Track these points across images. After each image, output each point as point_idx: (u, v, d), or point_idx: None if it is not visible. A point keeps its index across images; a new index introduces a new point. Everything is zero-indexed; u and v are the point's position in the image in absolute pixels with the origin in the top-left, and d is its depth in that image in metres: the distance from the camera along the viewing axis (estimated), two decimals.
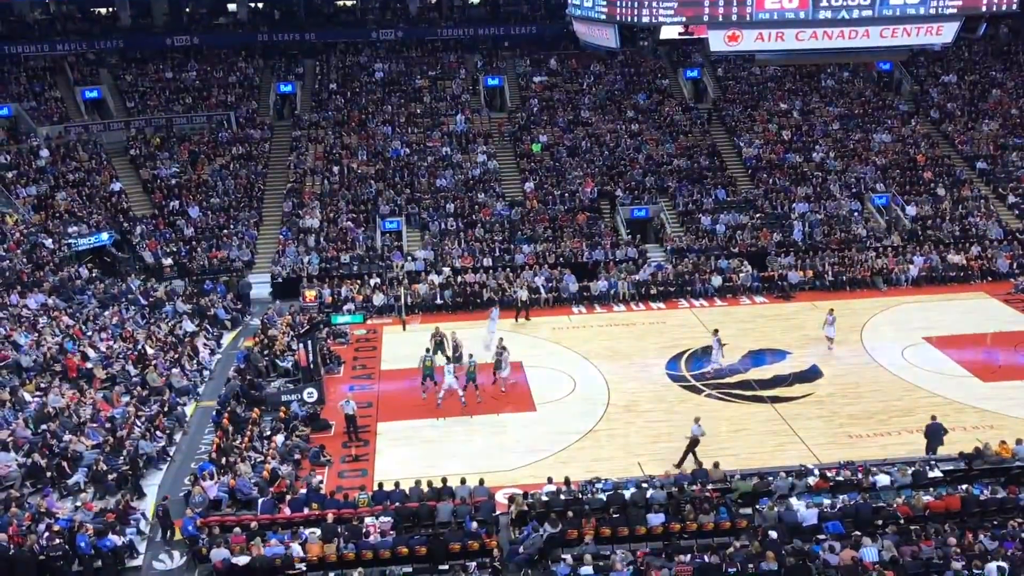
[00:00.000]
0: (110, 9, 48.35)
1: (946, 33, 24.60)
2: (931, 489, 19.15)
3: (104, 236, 35.88)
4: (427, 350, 26.34)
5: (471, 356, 25.67)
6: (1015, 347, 28.72)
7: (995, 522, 17.86)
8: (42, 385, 24.34)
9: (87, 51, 45.15)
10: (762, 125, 44.20)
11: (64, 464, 20.85)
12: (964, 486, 19.09)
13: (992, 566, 15.82)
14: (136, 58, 45.84)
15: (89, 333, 28.04)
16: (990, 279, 35.13)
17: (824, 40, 24.06)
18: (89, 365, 25.86)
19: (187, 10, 49.37)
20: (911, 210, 38.86)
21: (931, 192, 40.22)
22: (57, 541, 17.64)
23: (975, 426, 23.15)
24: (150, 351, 27.23)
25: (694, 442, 21.47)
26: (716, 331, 27.55)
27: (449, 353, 27.09)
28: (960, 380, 26.25)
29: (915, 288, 34.83)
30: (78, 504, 19.54)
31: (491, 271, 35.02)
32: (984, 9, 24.19)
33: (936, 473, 19.65)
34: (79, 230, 35.31)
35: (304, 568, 17.22)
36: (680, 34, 23.76)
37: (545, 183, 40.45)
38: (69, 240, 34.68)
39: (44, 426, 22.15)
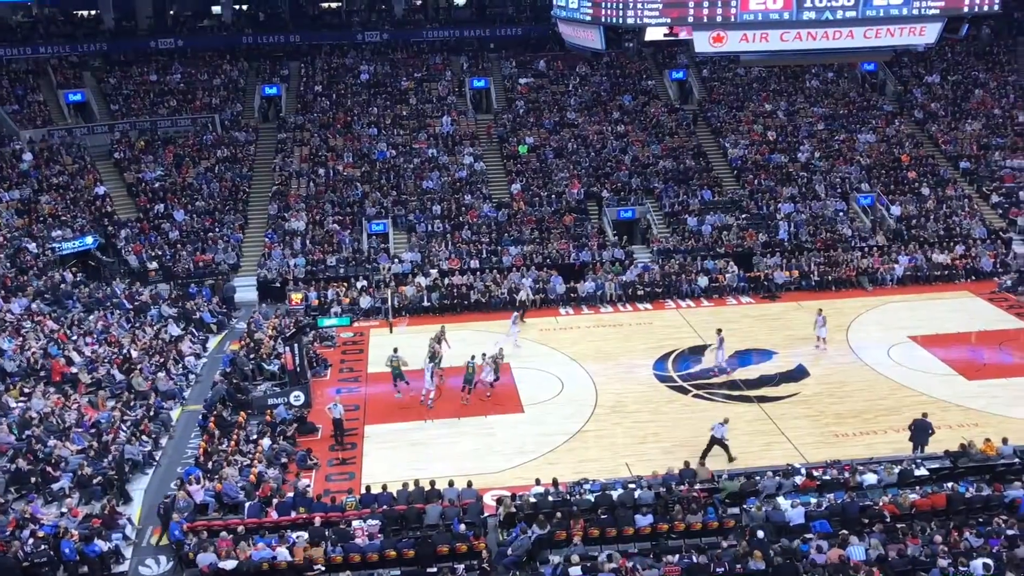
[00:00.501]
0: (93, 12, 48.08)
1: (929, 34, 24.72)
2: (917, 487, 19.25)
3: (88, 240, 35.67)
4: (395, 349, 26.49)
5: (472, 358, 25.68)
6: (999, 345, 28.91)
7: (980, 519, 17.97)
8: (26, 390, 24.15)
9: (70, 54, 44.87)
10: (747, 126, 44.36)
11: (49, 469, 20.70)
12: (950, 484, 19.20)
13: (978, 563, 15.93)
14: (120, 61, 45.60)
15: (74, 337, 27.85)
16: (974, 278, 35.38)
17: (808, 41, 24.13)
18: (74, 370, 25.69)
19: (171, 13, 49.18)
20: (896, 210, 39.08)
21: (915, 192, 40.46)
22: (42, 547, 17.52)
23: (960, 424, 23.31)
24: (135, 355, 27.09)
25: (713, 441, 21.59)
26: (719, 331, 27.62)
27: (430, 353, 26.94)
28: (945, 378, 26.43)
29: (900, 287, 35.04)
30: (63, 510, 19.40)
31: (478, 273, 35.01)
32: (966, 10, 24.31)
33: (922, 471, 19.74)
34: (63, 234, 35.10)
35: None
36: (665, 35, 23.74)
37: (532, 185, 40.46)
38: (53, 244, 34.46)
39: (28, 431, 21.98)
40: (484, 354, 26.00)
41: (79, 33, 46.40)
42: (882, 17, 23.86)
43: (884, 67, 47.68)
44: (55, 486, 20.34)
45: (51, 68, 43.81)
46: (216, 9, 50.02)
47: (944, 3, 23.85)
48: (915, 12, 23.86)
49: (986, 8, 24.38)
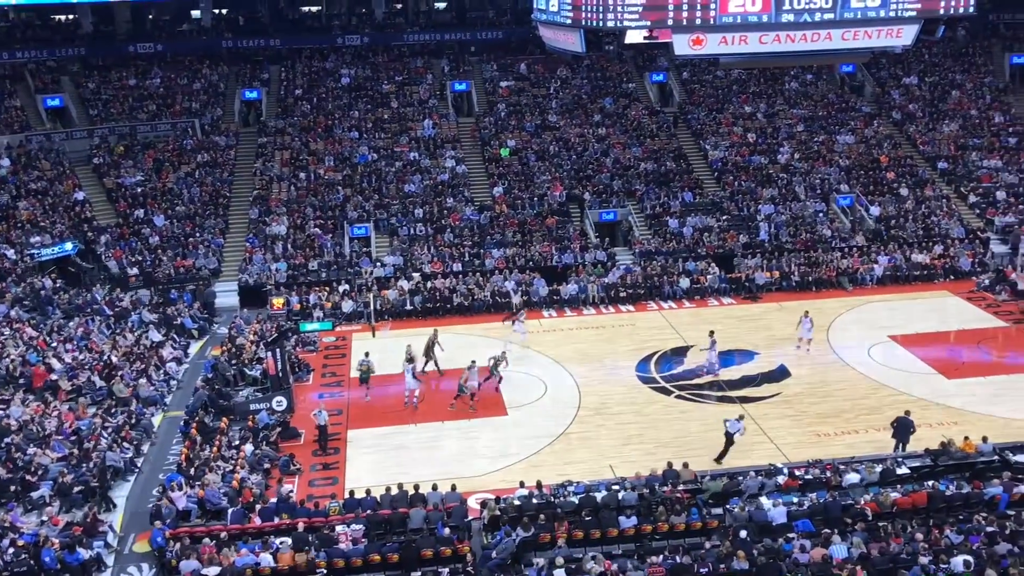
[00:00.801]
0: (71, 17, 47.70)
1: (906, 35, 25.00)
2: (898, 486, 19.39)
3: (68, 246, 35.38)
4: (366, 354, 26.82)
5: (473, 362, 25.67)
6: (978, 344, 29.18)
7: (960, 517, 18.14)
8: (5, 397, 23.94)
9: (48, 59, 44.49)
10: (727, 128, 44.57)
11: (28, 477, 20.52)
12: (930, 482, 19.36)
13: (958, 560, 16.07)
14: (98, 65, 45.24)
15: (54, 344, 27.63)
16: (953, 277, 35.66)
17: (787, 43, 24.33)
18: (54, 377, 25.48)
19: (150, 17, 48.86)
20: (875, 210, 39.37)
21: (894, 192, 40.77)
22: (22, 556, 17.38)
23: (940, 423, 23.50)
24: (116, 361, 26.90)
25: (728, 437, 21.76)
26: (712, 332, 27.73)
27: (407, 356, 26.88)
28: (925, 377, 26.64)
29: (880, 287, 35.28)
30: (44, 518, 19.26)
31: (461, 276, 35.00)
32: (942, 11, 24.60)
33: (903, 470, 19.90)
34: (42, 240, 34.82)
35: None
36: (645, 38, 23.88)
37: (514, 187, 40.50)
38: (32, 250, 34.17)
39: (7, 439, 21.78)
40: (474, 361, 25.97)
41: (57, 38, 46.02)
42: (859, 19, 24.11)
43: (862, 68, 48.05)
44: (35, 494, 20.20)
45: (28, 73, 43.42)
46: (195, 13, 49.74)
47: (920, 5, 24.13)
48: (892, 14, 24.11)
49: (961, 10, 24.69)
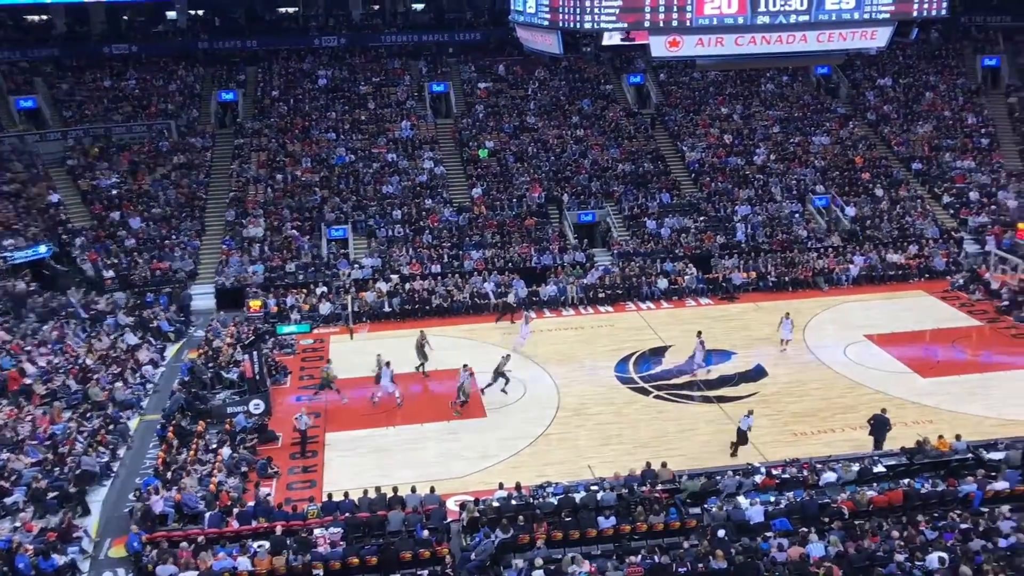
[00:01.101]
0: (44, 17, 47.23)
1: (880, 37, 25.25)
2: (875, 484, 19.55)
3: (42, 249, 35.01)
4: (328, 361, 26.93)
5: (465, 365, 25.65)
6: (952, 343, 29.47)
7: (935, 514, 18.31)
8: None
9: (20, 60, 43.99)
10: (704, 129, 44.78)
11: (2, 483, 20.29)
12: (906, 481, 19.53)
13: (933, 556, 16.24)
14: (72, 66, 44.82)
15: (28, 348, 27.35)
16: (927, 277, 36.03)
17: (763, 45, 24.49)
18: (28, 381, 25.22)
19: (125, 18, 48.46)
20: (850, 211, 39.68)
21: (869, 193, 41.12)
22: None
23: (915, 421, 23.71)
24: (91, 365, 26.66)
25: (740, 433, 22.07)
26: (700, 333, 27.83)
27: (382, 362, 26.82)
28: (900, 376, 26.87)
29: (856, 287, 35.57)
30: (17, 524, 19.04)
31: (439, 277, 34.96)
32: (915, 14, 24.87)
33: (879, 468, 20.06)
34: (15, 243, 34.42)
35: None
36: (622, 40, 23.97)
37: (492, 189, 40.50)
38: (5, 253, 33.77)
39: None
40: (466, 365, 25.93)
41: (30, 38, 45.54)
42: (834, 21, 24.31)
43: (837, 70, 48.44)
44: (8, 500, 19.97)
45: (1, 74, 42.96)
46: (171, 14, 49.38)
47: (894, 7, 24.37)
48: (866, 16, 24.34)
49: (934, 12, 24.95)
